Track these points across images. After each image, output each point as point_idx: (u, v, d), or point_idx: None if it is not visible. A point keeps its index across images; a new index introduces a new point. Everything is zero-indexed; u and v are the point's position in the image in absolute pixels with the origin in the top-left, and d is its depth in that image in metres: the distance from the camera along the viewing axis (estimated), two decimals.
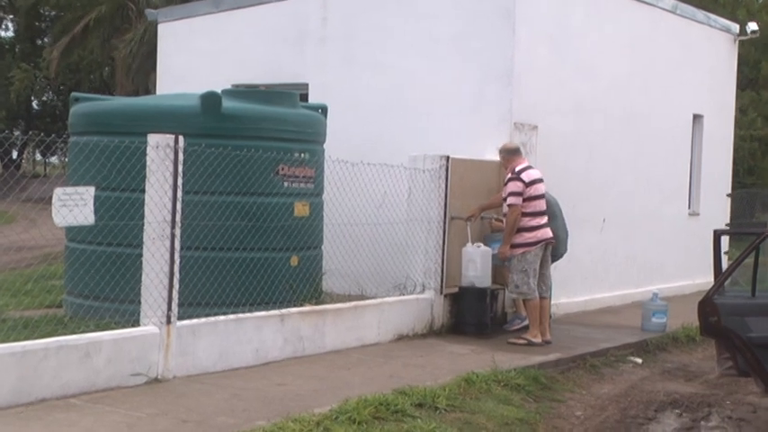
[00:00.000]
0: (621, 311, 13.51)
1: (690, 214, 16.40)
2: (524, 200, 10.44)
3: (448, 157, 10.98)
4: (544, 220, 10.62)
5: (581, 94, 13.27)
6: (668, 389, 9.56)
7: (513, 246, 10.48)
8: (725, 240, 14.33)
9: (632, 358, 10.80)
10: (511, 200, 10.45)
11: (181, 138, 8.12)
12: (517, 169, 10.57)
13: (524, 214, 10.45)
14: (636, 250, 14.60)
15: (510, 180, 10.54)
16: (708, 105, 16.77)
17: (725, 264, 8.97)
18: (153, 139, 8.04)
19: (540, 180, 10.67)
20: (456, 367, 8.97)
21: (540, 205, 10.61)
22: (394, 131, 12.40)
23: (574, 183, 12.76)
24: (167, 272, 7.96)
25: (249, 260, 9.87)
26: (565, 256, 11.47)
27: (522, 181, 10.47)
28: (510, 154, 10.85)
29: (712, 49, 17.00)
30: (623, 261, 14.31)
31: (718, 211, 16.82)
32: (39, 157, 49.34)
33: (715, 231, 8.30)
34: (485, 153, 11.77)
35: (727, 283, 8.14)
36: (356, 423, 6.89)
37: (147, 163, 8.01)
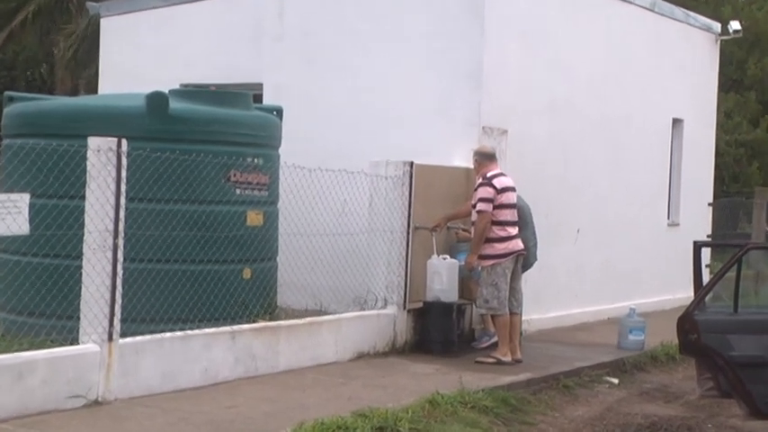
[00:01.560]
0: (597, 328, 13.58)
1: (669, 224, 16.51)
2: (495, 207, 10.46)
3: (412, 163, 10.99)
4: (515, 230, 10.65)
5: (555, 96, 13.33)
6: (646, 411, 9.62)
7: (483, 257, 10.49)
8: (706, 253, 14.43)
9: (608, 378, 10.86)
10: (480, 206, 10.47)
11: (124, 141, 8.10)
12: (488, 175, 10.59)
13: (495, 223, 10.46)
14: (612, 263, 14.68)
15: (480, 185, 10.56)
16: (688, 109, 16.91)
17: (706, 277, 9.01)
18: (94, 142, 8.00)
19: (513, 189, 10.70)
20: (420, 388, 8.96)
21: (512, 215, 10.63)
22: (355, 135, 12.37)
23: (547, 190, 12.81)
24: (109, 285, 7.91)
25: (198, 273, 9.82)
26: (537, 267, 11.51)
27: (494, 187, 10.49)
28: (483, 158, 10.85)
29: (692, 49, 17.15)
30: (599, 274, 14.38)
31: (699, 221, 16.95)
32: None
33: (695, 243, 8.35)
34: (452, 159, 11.80)
35: (708, 298, 8.19)
36: None
37: (88, 168, 7.97)
